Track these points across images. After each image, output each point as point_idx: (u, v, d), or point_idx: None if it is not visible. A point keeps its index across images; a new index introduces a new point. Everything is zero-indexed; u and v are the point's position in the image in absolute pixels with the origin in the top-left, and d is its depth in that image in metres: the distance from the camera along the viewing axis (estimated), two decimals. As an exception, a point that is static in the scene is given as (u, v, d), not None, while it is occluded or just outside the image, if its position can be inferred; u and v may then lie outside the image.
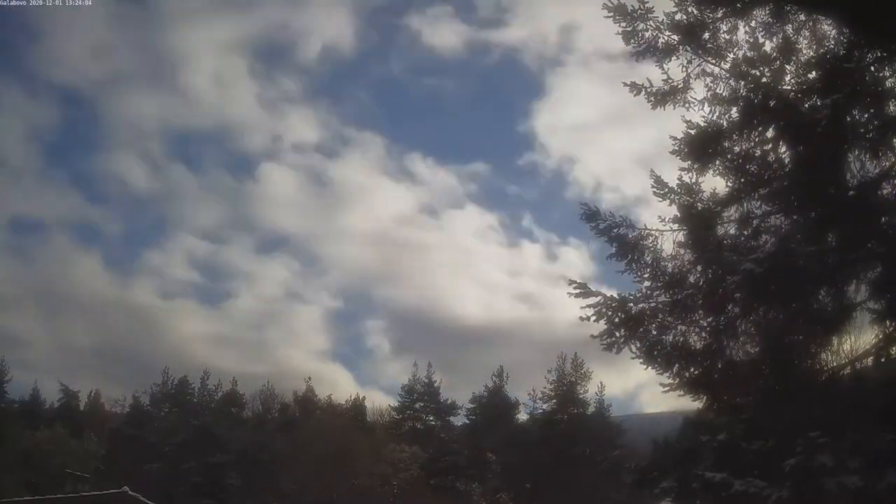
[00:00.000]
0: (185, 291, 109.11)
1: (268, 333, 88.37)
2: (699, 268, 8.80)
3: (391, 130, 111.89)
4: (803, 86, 8.64)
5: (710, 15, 8.99)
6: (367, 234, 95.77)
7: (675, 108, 9.27)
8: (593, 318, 8.57)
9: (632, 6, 9.06)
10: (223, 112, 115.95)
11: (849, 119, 7.72)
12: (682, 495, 7.81)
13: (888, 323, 8.06)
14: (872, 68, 8.23)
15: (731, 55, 9.11)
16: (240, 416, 61.37)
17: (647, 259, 8.98)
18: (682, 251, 8.95)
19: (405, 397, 63.49)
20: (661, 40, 9.11)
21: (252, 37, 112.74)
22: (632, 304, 8.62)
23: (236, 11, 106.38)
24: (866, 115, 7.91)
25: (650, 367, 8.54)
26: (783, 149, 8.63)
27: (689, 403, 8.85)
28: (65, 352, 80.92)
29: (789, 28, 8.96)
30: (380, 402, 66.87)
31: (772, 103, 8.14)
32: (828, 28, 8.82)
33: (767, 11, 8.88)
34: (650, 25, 9.08)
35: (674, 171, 9.28)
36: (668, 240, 9.04)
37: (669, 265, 8.94)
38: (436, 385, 63.14)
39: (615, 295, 8.68)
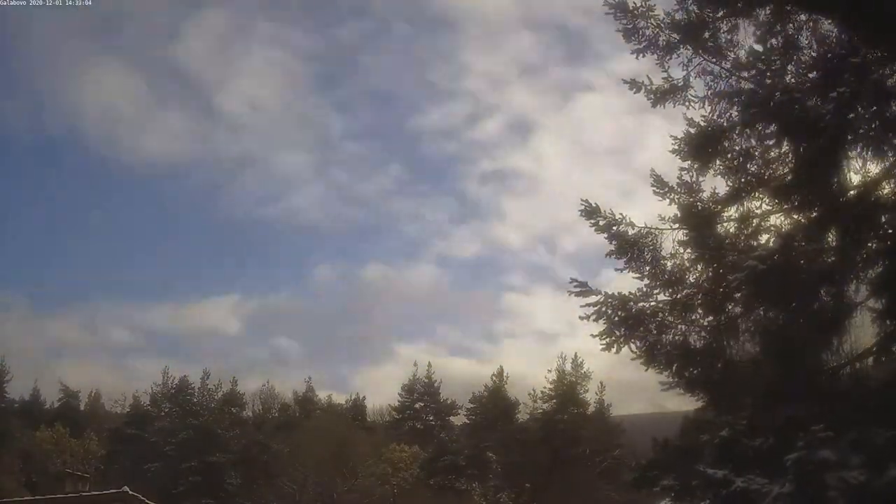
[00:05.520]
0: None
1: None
2: (699, 267, 8.82)
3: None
4: (804, 85, 8.63)
5: (711, 14, 9.01)
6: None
7: (675, 107, 9.31)
8: (593, 316, 8.57)
9: (633, 4, 9.09)
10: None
11: (850, 117, 7.72)
12: (683, 493, 7.80)
13: (888, 322, 8.05)
14: (873, 68, 8.22)
15: (732, 54, 9.12)
16: (240, 416, 61.37)
17: (647, 257, 9.00)
18: (681, 250, 8.96)
19: (405, 397, 63.51)
20: (661, 39, 9.14)
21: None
22: (631, 303, 8.62)
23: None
24: (867, 114, 7.90)
25: (650, 367, 8.54)
26: (784, 148, 8.63)
27: (689, 403, 8.85)
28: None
29: (790, 28, 8.95)
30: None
31: (772, 102, 8.14)
32: (828, 28, 8.82)
33: (768, 11, 8.88)
34: (651, 24, 9.12)
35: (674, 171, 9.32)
36: (668, 238, 9.06)
37: (669, 264, 8.96)
38: (436, 385, 63.20)
39: (615, 293, 8.67)
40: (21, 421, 54.07)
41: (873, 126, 7.86)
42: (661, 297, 8.82)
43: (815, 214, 8.35)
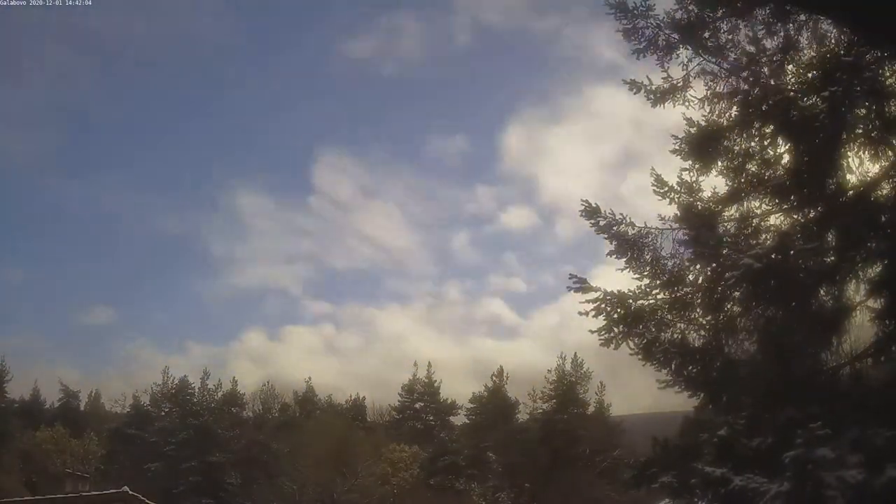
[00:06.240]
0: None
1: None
2: (698, 266, 8.82)
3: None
4: (803, 85, 8.65)
5: (711, 14, 9.02)
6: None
7: (674, 107, 9.32)
8: (592, 313, 8.59)
9: (633, 3, 9.10)
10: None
11: (848, 116, 7.73)
12: (681, 491, 7.82)
13: (888, 322, 8.06)
14: (872, 67, 8.24)
15: (732, 54, 9.13)
16: (240, 416, 61.47)
17: (647, 257, 9.00)
18: (681, 249, 8.97)
19: (405, 397, 63.58)
20: (661, 38, 9.15)
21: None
22: (631, 301, 8.63)
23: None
24: (866, 112, 7.92)
25: (648, 364, 8.56)
26: (783, 147, 8.65)
27: (689, 402, 8.86)
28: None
29: (790, 27, 8.97)
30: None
31: (771, 101, 8.16)
32: (828, 28, 8.84)
33: (768, 11, 8.89)
34: (650, 23, 9.12)
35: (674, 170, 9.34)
36: (668, 238, 9.07)
37: (669, 263, 8.96)
38: (436, 385, 63.26)
39: (614, 290, 8.69)
40: (21, 421, 54.16)
41: (871, 126, 7.88)
42: (661, 295, 8.83)
43: (813, 214, 8.37)
